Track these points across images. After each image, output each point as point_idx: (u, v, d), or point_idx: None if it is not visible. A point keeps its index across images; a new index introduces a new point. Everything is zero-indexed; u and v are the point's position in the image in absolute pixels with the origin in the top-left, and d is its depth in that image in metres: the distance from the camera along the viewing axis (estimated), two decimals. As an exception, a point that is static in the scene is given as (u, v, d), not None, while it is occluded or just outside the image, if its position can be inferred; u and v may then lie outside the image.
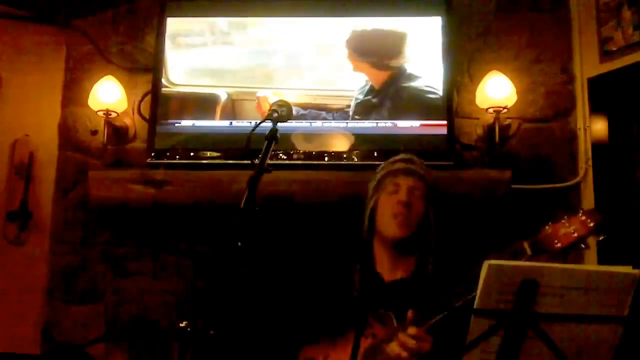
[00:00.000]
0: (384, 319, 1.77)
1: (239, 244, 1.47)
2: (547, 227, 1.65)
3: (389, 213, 1.93)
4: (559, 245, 1.61)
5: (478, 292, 1.23)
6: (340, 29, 3.10)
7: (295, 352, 1.92)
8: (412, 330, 1.63)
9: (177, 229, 3.03)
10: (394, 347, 1.64)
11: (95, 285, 3.05)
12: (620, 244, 2.74)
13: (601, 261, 2.77)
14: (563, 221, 1.63)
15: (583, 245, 1.62)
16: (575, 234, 1.60)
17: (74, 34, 3.29)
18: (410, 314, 1.68)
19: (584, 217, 1.61)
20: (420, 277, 1.91)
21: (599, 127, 2.92)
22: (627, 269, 1.25)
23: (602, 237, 1.61)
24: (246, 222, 1.50)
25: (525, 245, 1.67)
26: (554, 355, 1.21)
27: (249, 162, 1.63)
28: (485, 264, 1.22)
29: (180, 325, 2.61)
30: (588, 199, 2.91)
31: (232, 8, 3.18)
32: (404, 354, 1.62)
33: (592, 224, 1.59)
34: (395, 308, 1.79)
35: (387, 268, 1.95)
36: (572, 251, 1.61)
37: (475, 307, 1.25)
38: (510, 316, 1.22)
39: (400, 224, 1.90)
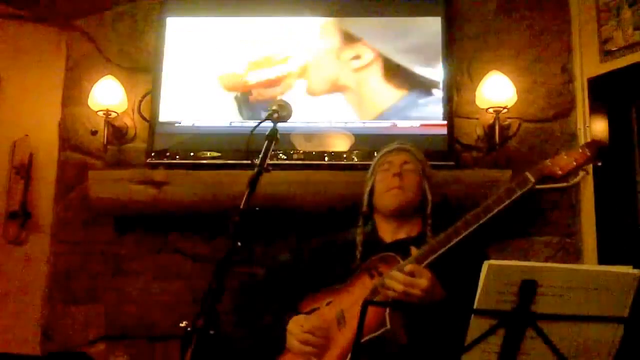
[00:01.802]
0: (388, 260, 1.81)
1: (239, 244, 1.47)
2: (547, 161, 1.79)
3: (384, 188, 2.00)
4: (560, 172, 1.77)
5: (478, 292, 1.23)
6: (341, 28, 3.11)
7: (297, 303, 1.94)
8: (408, 267, 1.70)
9: (177, 229, 3.03)
10: (390, 283, 1.70)
11: (95, 285, 3.04)
12: (620, 244, 2.74)
13: (601, 261, 2.77)
14: (562, 154, 1.78)
15: (585, 171, 1.78)
16: (575, 163, 1.76)
17: (74, 34, 3.29)
18: (413, 250, 1.75)
19: (581, 150, 1.76)
20: (422, 238, 1.94)
21: (599, 127, 2.92)
22: (627, 269, 1.24)
23: (600, 163, 1.87)
24: (246, 222, 1.50)
25: (528, 174, 1.80)
26: (553, 355, 1.21)
27: (249, 162, 1.63)
28: (485, 264, 1.22)
29: (180, 325, 2.63)
30: (588, 199, 2.91)
31: (232, 8, 3.19)
32: (399, 287, 1.67)
33: (589, 154, 1.74)
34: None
35: (389, 235, 1.99)
36: (573, 176, 1.78)
37: (475, 307, 1.25)
38: (511, 316, 1.22)
39: (395, 195, 1.96)
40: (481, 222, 1.75)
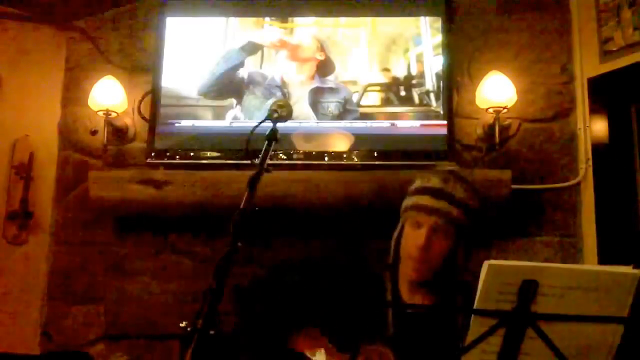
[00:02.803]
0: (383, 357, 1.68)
1: (239, 244, 1.46)
2: None
3: (407, 252, 1.81)
4: None
5: (478, 292, 1.23)
6: (340, 28, 3.11)
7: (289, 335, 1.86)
8: None
9: (177, 229, 3.03)
10: None
11: (95, 285, 3.05)
12: (620, 244, 2.74)
13: (601, 261, 2.77)
14: None
15: None
16: None
17: (74, 34, 3.29)
18: None
19: None
20: (439, 312, 1.83)
21: (599, 127, 2.92)
22: (627, 269, 1.25)
23: None
24: (246, 222, 1.50)
25: None
26: (553, 355, 1.21)
27: (249, 162, 1.63)
28: (486, 264, 1.22)
29: (180, 325, 2.62)
30: (588, 199, 2.91)
31: (232, 8, 3.19)
32: None
33: None
34: (406, 338, 1.75)
35: (407, 287, 1.87)
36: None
37: (475, 307, 1.25)
38: (511, 316, 1.22)
39: (416, 269, 1.79)
40: None
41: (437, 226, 1.76)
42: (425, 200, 1.78)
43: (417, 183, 1.86)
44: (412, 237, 1.79)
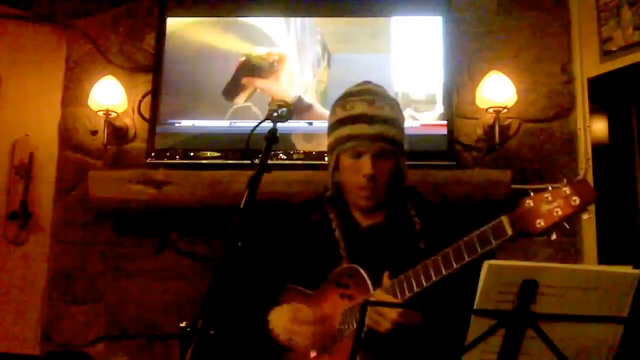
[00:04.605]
0: (355, 275, 1.68)
1: (239, 244, 1.46)
2: (528, 201, 1.51)
3: (354, 183, 1.78)
4: (541, 224, 1.48)
5: (478, 292, 1.23)
6: (341, 28, 3.11)
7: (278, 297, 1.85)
8: (377, 295, 1.57)
9: (177, 229, 3.03)
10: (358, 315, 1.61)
11: (95, 285, 3.05)
12: (620, 244, 2.74)
13: (601, 261, 2.77)
14: (546, 195, 1.49)
15: (567, 226, 1.48)
16: (560, 212, 1.47)
17: (74, 34, 3.29)
18: (385, 276, 1.61)
19: (568, 192, 1.46)
20: (396, 219, 1.82)
21: (599, 127, 2.92)
22: (627, 269, 1.24)
23: (589, 217, 1.46)
24: (246, 222, 1.50)
25: (505, 222, 1.54)
26: (554, 355, 1.21)
27: (249, 162, 1.63)
28: (485, 264, 1.22)
29: (180, 325, 2.62)
30: (588, 199, 2.91)
31: (232, 8, 3.19)
32: (367, 319, 1.54)
33: (577, 202, 1.44)
34: (373, 255, 1.74)
35: (361, 215, 1.86)
36: (555, 231, 1.47)
37: (475, 307, 1.24)
38: (511, 316, 1.22)
39: (367, 197, 1.78)
40: (452, 269, 1.53)
41: (380, 151, 1.73)
42: (362, 129, 1.74)
43: (340, 113, 1.81)
44: (355, 168, 1.76)
